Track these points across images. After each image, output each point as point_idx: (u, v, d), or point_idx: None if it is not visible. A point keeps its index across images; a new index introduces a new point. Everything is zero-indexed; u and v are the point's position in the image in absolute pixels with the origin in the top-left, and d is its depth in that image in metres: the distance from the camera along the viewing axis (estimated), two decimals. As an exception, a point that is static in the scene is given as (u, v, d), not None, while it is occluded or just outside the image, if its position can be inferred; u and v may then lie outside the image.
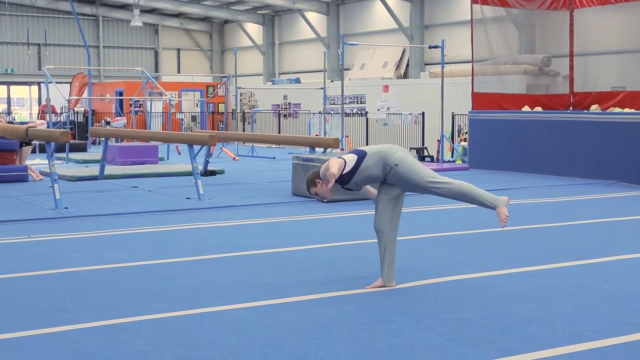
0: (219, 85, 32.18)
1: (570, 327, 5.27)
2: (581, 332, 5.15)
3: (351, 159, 6.27)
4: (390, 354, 4.70)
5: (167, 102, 26.02)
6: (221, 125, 31.17)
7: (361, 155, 6.27)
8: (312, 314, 5.61)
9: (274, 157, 21.79)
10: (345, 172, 6.23)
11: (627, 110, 17.09)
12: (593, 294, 6.19)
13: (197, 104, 32.36)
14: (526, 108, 18.50)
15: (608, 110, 17.50)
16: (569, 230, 9.53)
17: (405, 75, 27.57)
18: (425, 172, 6.20)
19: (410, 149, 20.69)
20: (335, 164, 6.17)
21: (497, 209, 6.15)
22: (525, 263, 7.39)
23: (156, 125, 28.45)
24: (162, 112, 28.99)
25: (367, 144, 23.01)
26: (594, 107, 18.28)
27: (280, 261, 7.58)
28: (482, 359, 4.58)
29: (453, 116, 20.73)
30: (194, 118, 31.72)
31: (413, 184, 6.17)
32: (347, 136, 21.78)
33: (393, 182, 6.25)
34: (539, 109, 18.55)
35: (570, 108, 19.27)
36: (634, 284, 6.55)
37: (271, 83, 31.62)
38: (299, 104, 28.16)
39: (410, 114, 22.24)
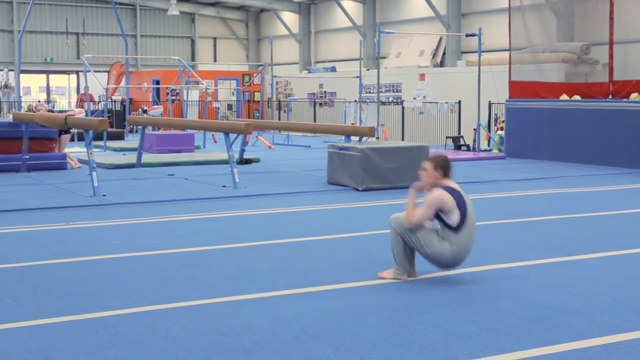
0: (255, 74, 32.26)
1: (608, 317, 5.22)
2: (619, 323, 5.09)
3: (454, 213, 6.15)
4: (425, 342, 4.70)
5: (204, 90, 26.13)
6: (257, 114, 31.25)
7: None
8: (348, 302, 5.62)
9: (310, 146, 21.80)
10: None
11: (667, 98, 16.81)
12: (632, 285, 6.12)
13: (233, 93, 32.45)
14: (564, 97, 18.29)
15: (648, 99, 17.23)
16: (607, 220, 9.43)
17: (441, 64, 27.38)
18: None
19: (447, 137, 20.58)
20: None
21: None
22: (562, 253, 7.32)
23: (192, 114, 28.58)
24: (199, 101, 29.12)
25: (402, 133, 22.93)
26: (634, 96, 17.99)
27: (315, 249, 7.60)
28: (518, 349, 4.56)
29: (490, 105, 20.56)
30: (229, 107, 31.82)
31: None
32: (382, 125, 21.71)
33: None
34: (577, 97, 18.31)
35: (610, 96, 19.00)
36: (673, 274, 6.47)
37: (307, 72, 31.60)
38: (335, 93, 28.11)
39: (446, 102, 22.10)
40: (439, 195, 6.08)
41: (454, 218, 6.08)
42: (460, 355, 4.46)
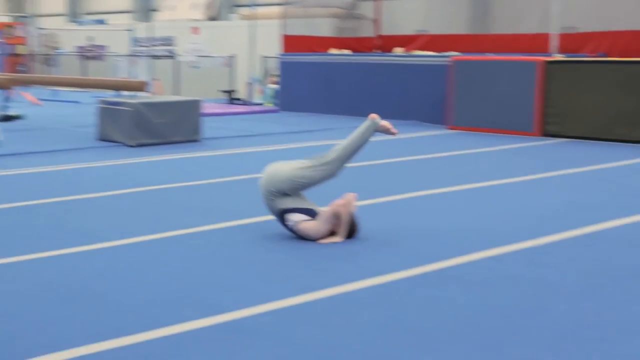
0: (18, 25, 30.39)
1: (372, 262, 5.46)
2: (383, 265, 5.35)
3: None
4: (198, 295, 4.69)
5: (-39, 43, 24.30)
6: (22, 68, 29.55)
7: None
8: (123, 259, 5.48)
9: (79, 102, 20.97)
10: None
11: (429, 52, 17.77)
12: (394, 229, 6.43)
13: (-6, 46, 30.43)
14: (334, 51, 18.81)
15: (411, 53, 18.12)
16: (373, 169, 9.85)
17: (215, 17, 27.20)
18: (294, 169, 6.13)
19: (221, 91, 20.56)
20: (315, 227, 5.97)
21: (377, 128, 6.27)
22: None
23: (-51, 68, 26.55)
24: (-45, 54, 27.10)
25: (177, 87, 22.63)
26: (398, 50, 18.87)
27: (86, 207, 7.35)
28: (289, 295, 4.66)
29: (263, 59, 20.74)
30: (-9, 60, 29.86)
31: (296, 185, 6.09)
32: (156, 79, 21.30)
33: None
34: (347, 51, 18.91)
35: (376, 51, 19.79)
36: (432, 217, 6.88)
37: (75, 24, 30.24)
38: (105, 46, 27.16)
39: (220, 56, 22.03)
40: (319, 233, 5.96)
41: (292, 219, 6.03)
42: (233, 305, 4.50)
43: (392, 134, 6.40)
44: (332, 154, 6.22)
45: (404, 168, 9.95)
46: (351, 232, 6.04)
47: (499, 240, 6.05)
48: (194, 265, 5.35)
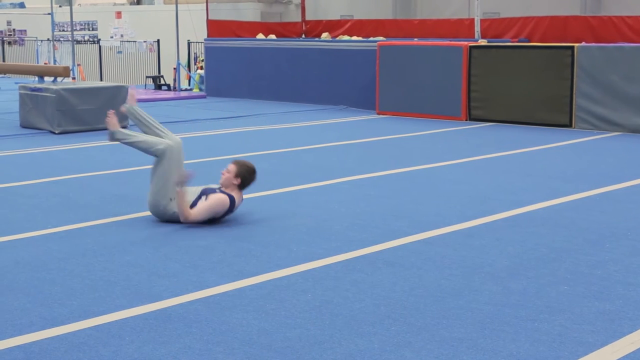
0: None
1: (304, 247, 5.50)
2: (314, 251, 5.38)
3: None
4: (128, 284, 4.64)
5: None
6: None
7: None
8: (45, 249, 5.39)
9: None
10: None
11: (354, 38, 17.85)
12: (325, 215, 6.47)
13: None
14: (260, 36, 18.74)
15: (337, 38, 18.18)
16: (302, 155, 9.87)
17: (138, 2, 26.76)
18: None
19: (147, 77, 20.28)
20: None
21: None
22: (261, 188, 7.56)
23: None
24: None
25: (100, 73, 22.23)
26: (325, 35, 18.91)
27: (9, 196, 7.18)
28: (220, 283, 4.66)
29: (189, 44, 20.53)
30: None
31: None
32: (79, 65, 20.87)
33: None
34: (273, 36, 18.86)
35: (303, 36, 19.79)
36: (361, 202, 6.95)
37: (-7, 7, 29.38)
38: (25, 31, 26.47)
39: (145, 41, 21.70)
40: (224, 203, 6.00)
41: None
42: (164, 293, 4.47)
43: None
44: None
45: (332, 153, 9.99)
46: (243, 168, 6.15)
47: (427, 224, 6.14)
48: (121, 254, 5.29)
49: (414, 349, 3.71)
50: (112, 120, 6.29)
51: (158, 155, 6.14)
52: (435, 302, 4.35)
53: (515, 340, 3.82)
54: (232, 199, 6.07)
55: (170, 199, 6.07)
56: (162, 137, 6.26)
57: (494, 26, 16.73)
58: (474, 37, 15.48)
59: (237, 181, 6.12)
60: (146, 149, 6.19)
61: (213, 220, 6.11)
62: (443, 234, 5.85)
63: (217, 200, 6.02)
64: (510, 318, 4.11)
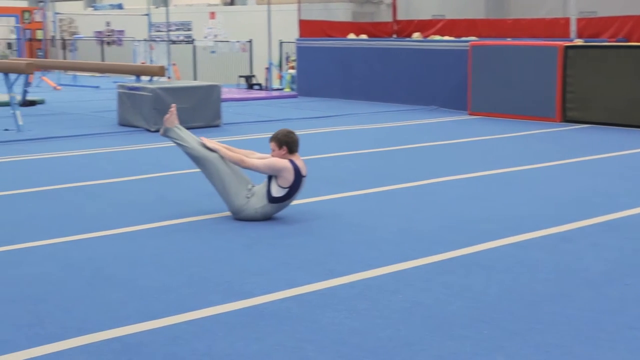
0: (35, 10, 30.48)
1: (394, 247, 5.48)
2: (404, 251, 5.36)
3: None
4: (220, 280, 4.72)
5: (-21, 28, 24.38)
6: (40, 53, 29.66)
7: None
8: (142, 244, 5.53)
9: (98, 87, 21.03)
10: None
11: (446, 37, 17.68)
12: (414, 216, 6.44)
13: (12, 31, 30.54)
14: (352, 36, 18.76)
15: (429, 38, 18.05)
16: (393, 155, 9.84)
17: (232, 2, 27.15)
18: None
19: (239, 76, 20.56)
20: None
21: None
22: (351, 187, 7.58)
23: (-32, 53, 26.67)
24: (-26, 39, 27.20)
25: (194, 72, 22.65)
26: (416, 35, 18.80)
27: (107, 192, 7.39)
28: (311, 281, 4.68)
29: (281, 44, 20.71)
30: (9, 45, 29.96)
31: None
32: (174, 64, 21.32)
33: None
34: (364, 36, 18.85)
35: (394, 36, 19.72)
36: (453, 204, 6.88)
37: (92, 9, 30.29)
38: (123, 31, 27.20)
39: (238, 41, 22.01)
40: (285, 167, 6.08)
41: (279, 192, 6.11)
42: (255, 290, 4.53)
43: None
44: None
45: (423, 154, 9.92)
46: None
47: (520, 227, 6.04)
48: (214, 250, 5.38)
49: (506, 354, 3.65)
50: (172, 117, 6.50)
51: (200, 163, 6.32)
52: (528, 307, 4.27)
53: (613, 348, 3.72)
54: (291, 161, 6.13)
55: (247, 197, 6.14)
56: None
57: (591, 25, 16.30)
58: (569, 37, 15.13)
59: (284, 150, 6.18)
60: (189, 154, 6.40)
61: (292, 193, 6.13)
62: (537, 238, 5.73)
63: (276, 159, 6.12)
64: (607, 325, 4.00)
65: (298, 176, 6.13)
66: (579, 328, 3.96)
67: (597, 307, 4.27)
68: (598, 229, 6.02)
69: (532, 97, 13.42)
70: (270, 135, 6.34)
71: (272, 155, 6.22)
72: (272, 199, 6.13)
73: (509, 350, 3.69)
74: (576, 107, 12.94)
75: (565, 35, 15.70)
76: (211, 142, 6.37)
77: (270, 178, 6.17)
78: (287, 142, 6.19)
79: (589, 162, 9.23)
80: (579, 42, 13.73)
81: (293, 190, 6.15)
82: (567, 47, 13.07)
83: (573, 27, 15.13)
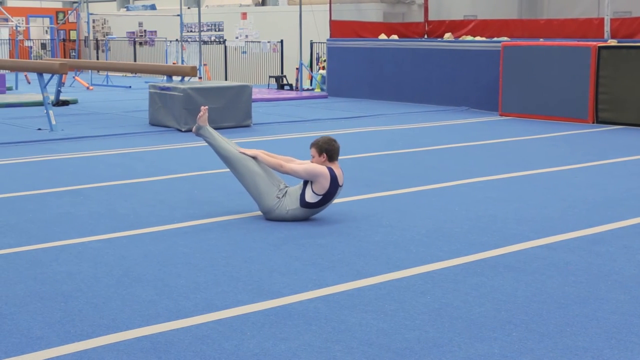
0: (69, 11, 30.84)
1: (423, 248, 5.46)
2: (433, 253, 5.34)
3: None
4: (249, 280, 4.73)
5: (14, 28, 24.71)
6: (73, 54, 29.97)
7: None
8: (171, 244, 5.57)
9: (130, 86, 21.21)
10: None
11: (477, 38, 17.59)
12: (444, 217, 6.42)
13: (46, 31, 30.91)
14: (383, 36, 18.73)
15: (460, 39, 17.96)
16: (422, 156, 9.81)
17: (263, 3, 27.25)
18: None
19: (270, 77, 20.62)
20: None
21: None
22: (381, 188, 7.57)
23: (3, 54, 27.03)
24: (9, 40, 27.54)
25: (225, 72, 22.76)
26: (447, 36, 18.72)
27: (138, 192, 7.45)
28: (340, 282, 4.68)
29: (312, 44, 20.74)
30: (43, 46, 30.31)
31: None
32: (205, 64, 21.44)
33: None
34: (395, 37, 18.81)
35: (425, 36, 19.66)
36: (482, 205, 6.84)
37: (125, 9, 30.55)
38: (155, 32, 27.40)
39: (269, 42, 22.08)
40: (323, 173, 6.08)
41: (312, 198, 6.13)
42: (284, 290, 4.54)
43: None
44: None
45: (453, 155, 9.88)
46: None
47: (550, 228, 5.99)
48: (243, 250, 5.40)
49: (535, 356, 3.62)
50: (204, 116, 6.57)
51: (231, 163, 6.34)
52: (558, 309, 4.24)
53: (643, 352, 3.68)
54: (330, 169, 6.13)
55: (278, 197, 6.16)
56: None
57: (625, 26, 16.11)
58: (603, 37, 14.97)
59: (324, 157, 6.17)
60: (221, 154, 6.46)
61: (326, 200, 6.15)
62: (567, 240, 5.69)
63: (315, 165, 6.12)
64: (639, 329, 3.95)
65: (334, 184, 6.13)
66: (609, 331, 3.92)
67: (628, 310, 4.23)
68: (630, 231, 5.96)
69: (564, 98, 13.31)
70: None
71: (312, 162, 6.22)
72: (304, 204, 6.14)
73: (538, 353, 3.67)
74: (609, 109, 12.81)
75: (599, 35, 15.54)
76: (250, 151, 6.38)
77: (305, 182, 6.18)
78: (327, 150, 6.18)
79: (621, 164, 9.14)
80: (612, 42, 13.58)
81: (327, 198, 6.16)
82: (601, 48, 12.94)
83: (607, 28, 14.97)
